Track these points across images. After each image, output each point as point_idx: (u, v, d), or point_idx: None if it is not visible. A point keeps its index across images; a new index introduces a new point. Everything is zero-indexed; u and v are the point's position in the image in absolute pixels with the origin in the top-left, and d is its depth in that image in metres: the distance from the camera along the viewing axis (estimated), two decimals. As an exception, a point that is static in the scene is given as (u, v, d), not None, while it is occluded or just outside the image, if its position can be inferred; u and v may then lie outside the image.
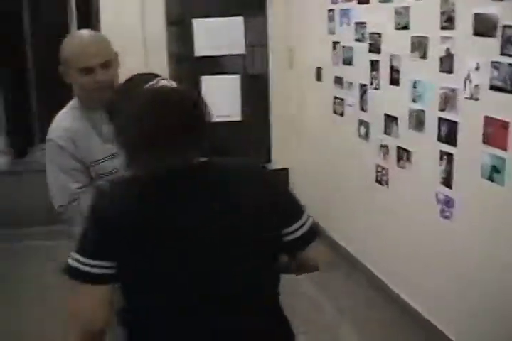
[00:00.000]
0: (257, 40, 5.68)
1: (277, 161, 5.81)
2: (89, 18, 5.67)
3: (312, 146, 5.58)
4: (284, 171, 5.80)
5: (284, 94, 5.68)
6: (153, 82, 1.81)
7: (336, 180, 5.18)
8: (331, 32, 4.95)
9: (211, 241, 1.74)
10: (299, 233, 1.90)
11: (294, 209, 1.92)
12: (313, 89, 5.42)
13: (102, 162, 2.60)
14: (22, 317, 4.18)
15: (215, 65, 5.75)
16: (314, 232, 1.95)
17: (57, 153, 2.59)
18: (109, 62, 2.56)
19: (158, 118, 1.70)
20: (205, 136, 1.79)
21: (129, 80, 1.95)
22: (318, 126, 5.43)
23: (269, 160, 5.83)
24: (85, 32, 2.69)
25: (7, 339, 3.96)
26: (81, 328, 1.75)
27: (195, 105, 1.79)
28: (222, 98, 5.57)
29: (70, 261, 1.74)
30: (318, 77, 5.29)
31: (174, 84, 1.85)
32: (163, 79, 1.86)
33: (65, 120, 2.63)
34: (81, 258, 1.72)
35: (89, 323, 1.74)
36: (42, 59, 6.07)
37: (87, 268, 1.72)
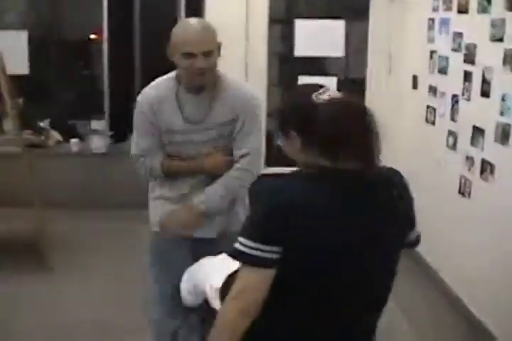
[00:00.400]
0: (357, 44, 5.71)
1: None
2: (196, 11, 5.85)
3: (403, 153, 5.57)
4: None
5: (380, 100, 5.67)
6: (320, 91, 1.98)
7: (421, 187, 5.14)
8: (430, 40, 4.94)
9: (375, 248, 1.89)
10: (413, 238, 2.05)
11: (415, 216, 2.05)
12: (409, 96, 5.42)
13: (176, 133, 2.95)
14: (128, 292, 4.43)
15: (314, 65, 5.84)
16: (419, 239, 2.09)
17: (138, 115, 3.02)
18: (211, 51, 2.81)
19: (353, 122, 1.90)
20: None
21: (295, 91, 2.17)
22: (410, 134, 5.43)
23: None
24: (195, 21, 2.95)
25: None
26: (243, 305, 1.84)
27: (373, 116, 1.98)
28: (317, 99, 5.65)
29: (240, 247, 1.85)
30: (415, 85, 5.28)
31: (339, 94, 2.03)
32: (328, 90, 2.02)
33: (156, 88, 3.00)
34: (252, 244, 1.82)
35: (252, 302, 1.84)
36: (149, 52, 6.34)
37: (257, 253, 1.82)
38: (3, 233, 5.68)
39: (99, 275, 4.82)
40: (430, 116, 4.94)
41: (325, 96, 1.98)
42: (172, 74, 3.01)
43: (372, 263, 1.90)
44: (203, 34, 2.83)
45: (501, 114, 3.80)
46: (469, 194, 4.27)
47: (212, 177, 3.00)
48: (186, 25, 2.93)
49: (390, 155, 5.40)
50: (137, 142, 3.06)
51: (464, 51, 4.34)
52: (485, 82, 4.04)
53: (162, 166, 3.02)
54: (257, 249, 1.82)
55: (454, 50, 4.50)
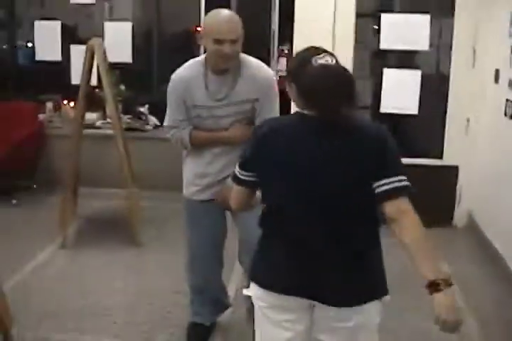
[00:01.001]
0: (441, 38, 5.81)
1: (448, 158, 5.93)
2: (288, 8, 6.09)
3: (482, 146, 5.66)
4: (454, 168, 5.93)
5: (463, 93, 5.76)
6: (321, 55, 2.40)
7: (500, 180, 5.24)
8: (511, 35, 5.01)
9: (324, 167, 2.34)
10: (391, 185, 2.30)
11: (395, 166, 2.34)
12: (491, 90, 5.49)
13: (202, 108, 3.41)
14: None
15: (398, 58, 5.98)
16: (405, 190, 2.32)
17: (171, 92, 3.46)
18: (237, 40, 3.24)
19: (330, 81, 2.30)
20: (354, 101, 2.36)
21: (305, 51, 2.49)
22: (490, 128, 5.50)
23: (440, 157, 5.96)
24: (226, 11, 3.31)
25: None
26: (233, 203, 2.65)
27: (350, 79, 2.36)
28: (401, 91, 5.81)
29: (235, 171, 2.57)
30: (496, 79, 5.36)
31: (336, 60, 2.42)
32: (328, 55, 2.42)
33: (186, 69, 3.47)
34: (238, 170, 2.55)
35: (236, 206, 2.65)
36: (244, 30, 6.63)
37: (241, 176, 2.54)
38: (102, 210, 6.15)
39: (180, 249, 5.16)
40: (509, 109, 5.01)
41: (321, 60, 2.38)
42: (201, 57, 3.46)
43: (318, 183, 2.35)
44: (231, 24, 3.23)
45: None
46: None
47: (232, 146, 3.42)
48: (218, 15, 3.29)
49: (471, 148, 5.61)
50: (170, 115, 3.52)
51: (539, 45, 4.42)
52: (557, 75, 4.12)
53: (190, 136, 3.48)
54: (240, 174, 2.55)
55: (532, 44, 4.59)
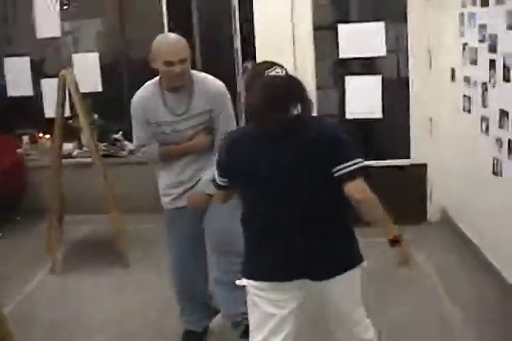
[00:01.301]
0: (397, 43, 6.06)
1: (416, 157, 6.16)
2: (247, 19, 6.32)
3: (446, 143, 5.89)
4: (422, 166, 6.15)
5: (423, 94, 6.01)
6: (272, 69, 2.74)
7: (466, 173, 5.47)
8: (462, 34, 5.28)
9: (286, 167, 2.71)
10: (347, 169, 2.67)
11: (348, 153, 2.70)
12: (448, 88, 5.74)
13: (164, 125, 3.69)
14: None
15: (358, 66, 6.22)
16: (359, 171, 2.70)
17: (133, 113, 3.77)
18: (185, 59, 3.54)
19: (271, 94, 2.69)
20: (297, 104, 2.72)
21: (258, 65, 2.98)
22: (451, 123, 5.75)
23: (408, 156, 6.19)
24: (172, 34, 3.68)
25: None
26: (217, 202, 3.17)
27: (292, 86, 2.72)
28: (364, 97, 6.05)
29: (214, 176, 2.98)
30: (453, 77, 5.61)
31: (285, 71, 2.76)
32: (278, 67, 2.76)
33: (143, 91, 3.76)
34: (217, 176, 2.95)
35: (220, 202, 3.14)
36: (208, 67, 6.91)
37: (219, 182, 2.96)
38: (87, 235, 6.30)
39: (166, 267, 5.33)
40: (466, 104, 5.26)
41: (272, 72, 2.72)
42: (155, 79, 3.73)
43: (284, 183, 2.73)
44: (178, 45, 3.57)
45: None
46: (501, 173, 4.57)
47: (198, 154, 3.76)
48: (165, 39, 3.66)
49: (436, 145, 5.83)
50: (136, 135, 3.80)
51: (488, 41, 4.66)
52: (506, 68, 4.36)
53: (159, 152, 3.77)
54: (218, 179, 2.96)
55: (480, 41, 4.83)
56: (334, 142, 2.70)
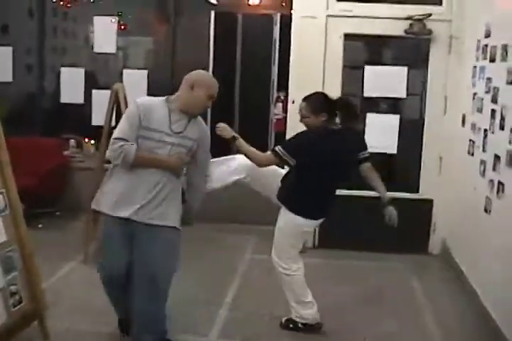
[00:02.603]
0: (417, 87, 6.66)
1: (424, 192, 6.73)
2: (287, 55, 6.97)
3: (453, 182, 6.45)
4: (429, 201, 6.72)
5: (436, 136, 6.60)
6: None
7: (462, 209, 6.03)
8: (473, 85, 5.86)
9: (344, 159, 4.55)
10: (365, 155, 4.75)
11: (365, 147, 4.77)
12: (459, 132, 6.32)
13: (158, 132, 3.94)
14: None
15: (380, 105, 6.83)
16: (370, 158, 4.80)
17: (133, 111, 3.96)
18: None
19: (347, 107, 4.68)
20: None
21: (317, 94, 4.77)
22: (458, 164, 6.31)
23: (417, 191, 6.75)
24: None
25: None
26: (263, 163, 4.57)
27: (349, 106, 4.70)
28: (382, 133, 6.62)
29: (277, 148, 4.45)
30: (463, 123, 6.19)
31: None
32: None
33: (151, 99, 4.09)
34: (282, 150, 4.41)
35: (264, 165, 4.57)
36: (246, 85, 7.57)
37: (282, 156, 4.41)
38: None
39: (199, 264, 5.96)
40: (471, 148, 5.83)
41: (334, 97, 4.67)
42: (163, 98, 4.06)
43: (342, 165, 4.54)
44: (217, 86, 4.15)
45: (510, 142, 4.68)
46: (490, 211, 5.12)
47: (161, 173, 3.99)
48: (211, 76, 4.21)
49: (443, 183, 6.39)
50: (123, 129, 3.92)
51: (491, 93, 5.25)
52: (502, 118, 4.94)
53: (136, 153, 3.89)
54: (282, 154, 4.41)
55: (486, 92, 5.42)
56: (362, 139, 4.82)
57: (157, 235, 4.04)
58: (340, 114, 4.56)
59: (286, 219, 4.61)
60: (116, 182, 4.06)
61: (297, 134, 4.53)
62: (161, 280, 4.08)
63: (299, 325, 4.77)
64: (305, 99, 4.64)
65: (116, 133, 3.94)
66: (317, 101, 4.58)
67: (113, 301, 4.39)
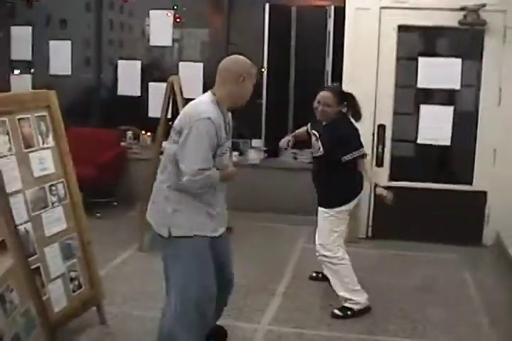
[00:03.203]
0: (472, 78, 6.62)
1: (477, 184, 6.70)
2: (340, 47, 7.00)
3: (508, 174, 6.42)
4: (483, 193, 6.69)
5: (490, 127, 6.56)
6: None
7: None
8: (528, 75, 5.82)
9: None
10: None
11: None
12: (514, 124, 6.29)
13: (223, 144, 3.64)
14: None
15: (434, 96, 6.81)
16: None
17: (208, 131, 3.49)
18: None
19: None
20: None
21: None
22: (512, 157, 6.29)
23: (470, 183, 6.73)
24: None
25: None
26: None
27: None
28: (436, 125, 6.62)
29: (344, 159, 4.81)
30: (518, 116, 6.15)
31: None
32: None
33: (211, 109, 3.59)
34: (349, 157, 4.82)
35: None
36: (300, 88, 7.63)
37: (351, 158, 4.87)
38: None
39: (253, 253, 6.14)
40: (526, 140, 5.80)
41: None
42: (207, 98, 3.66)
43: None
44: None
45: None
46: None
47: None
48: (248, 61, 3.76)
49: (498, 175, 6.36)
50: (202, 157, 3.48)
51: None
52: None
53: (219, 174, 3.63)
54: (353, 157, 4.84)
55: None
56: None
57: (227, 241, 4.05)
58: (349, 106, 4.91)
59: (330, 213, 4.88)
60: (200, 202, 3.69)
61: (340, 134, 4.78)
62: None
63: (354, 311, 4.85)
64: (328, 89, 4.92)
65: (197, 163, 3.48)
66: (341, 92, 4.90)
67: (206, 323, 3.86)
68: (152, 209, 3.85)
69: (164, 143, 6.99)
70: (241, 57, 3.81)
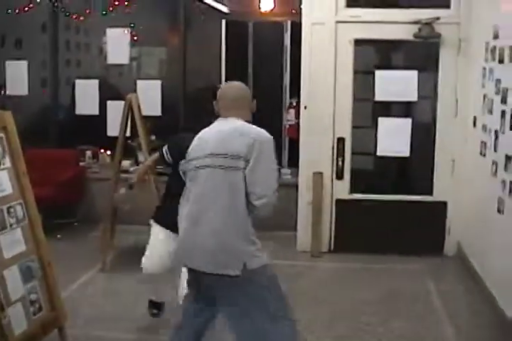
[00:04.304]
0: (428, 90, 6.69)
1: (437, 195, 6.75)
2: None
3: (466, 183, 6.48)
4: (443, 204, 6.74)
5: (448, 138, 6.63)
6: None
7: (476, 210, 6.06)
8: (483, 86, 5.89)
9: None
10: None
11: None
12: (470, 134, 6.35)
13: None
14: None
15: (391, 108, 6.87)
16: None
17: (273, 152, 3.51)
18: None
19: None
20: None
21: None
22: (471, 166, 6.34)
23: (431, 193, 6.78)
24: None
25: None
26: None
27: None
28: (394, 137, 6.67)
29: None
30: (474, 124, 6.22)
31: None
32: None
33: None
34: None
35: None
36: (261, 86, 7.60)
37: None
38: (136, 243, 6.95)
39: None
40: (483, 149, 5.86)
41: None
42: (246, 123, 3.69)
43: None
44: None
45: (520, 143, 4.73)
46: (503, 211, 5.15)
47: None
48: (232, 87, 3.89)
49: (457, 185, 6.42)
50: (277, 177, 3.52)
51: (501, 94, 5.28)
52: (512, 118, 4.98)
53: None
54: None
55: (496, 93, 5.45)
56: None
57: None
58: None
59: None
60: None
61: None
62: None
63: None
64: None
65: (274, 183, 3.43)
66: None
67: None
68: (207, 253, 3.38)
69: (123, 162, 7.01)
70: (238, 82, 3.91)
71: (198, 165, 3.47)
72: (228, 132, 3.52)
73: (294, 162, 7.18)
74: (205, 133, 3.63)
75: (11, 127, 4.23)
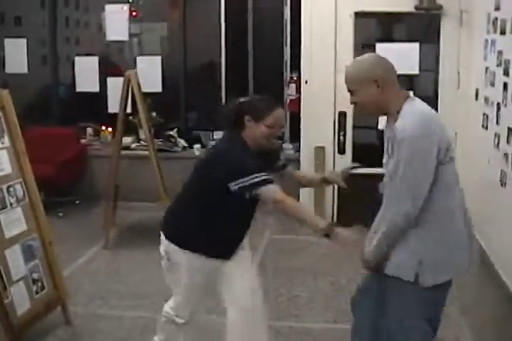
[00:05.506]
0: (430, 63, 6.64)
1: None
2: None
3: (468, 156, 6.44)
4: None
5: (450, 111, 6.58)
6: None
7: (479, 184, 6.03)
8: (485, 58, 5.83)
9: None
10: None
11: None
12: (473, 107, 6.30)
13: None
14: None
15: (392, 82, 6.81)
16: None
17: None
18: None
19: None
20: None
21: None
22: (473, 138, 6.30)
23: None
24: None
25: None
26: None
27: None
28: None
29: None
30: (476, 97, 6.17)
31: None
32: None
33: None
34: None
35: None
36: (259, 75, 7.55)
37: None
38: (138, 219, 7.01)
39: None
40: (485, 122, 5.81)
41: None
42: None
43: None
44: None
45: (523, 115, 4.69)
46: (505, 184, 5.12)
47: None
48: None
49: (460, 159, 6.36)
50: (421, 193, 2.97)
51: (503, 66, 5.23)
52: (515, 90, 4.93)
53: None
54: None
55: (498, 65, 5.39)
56: None
57: None
58: None
59: None
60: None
61: None
62: None
63: None
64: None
65: (406, 205, 2.98)
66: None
67: None
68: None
69: (124, 138, 6.98)
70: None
71: (452, 155, 3.26)
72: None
73: (295, 136, 7.17)
74: (432, 116, 3.21)
75: (9, 106, 4.21)
